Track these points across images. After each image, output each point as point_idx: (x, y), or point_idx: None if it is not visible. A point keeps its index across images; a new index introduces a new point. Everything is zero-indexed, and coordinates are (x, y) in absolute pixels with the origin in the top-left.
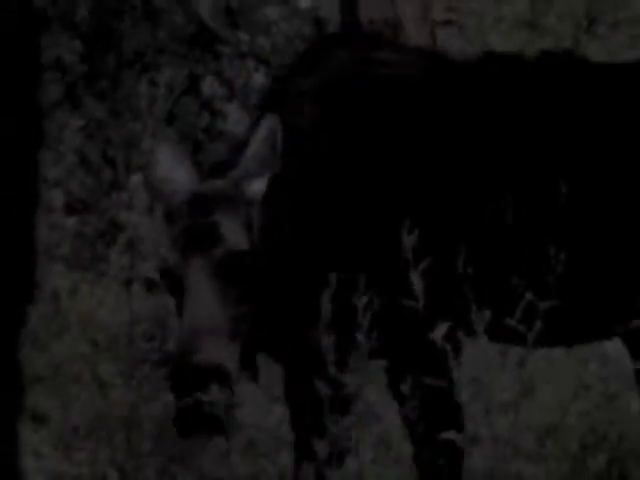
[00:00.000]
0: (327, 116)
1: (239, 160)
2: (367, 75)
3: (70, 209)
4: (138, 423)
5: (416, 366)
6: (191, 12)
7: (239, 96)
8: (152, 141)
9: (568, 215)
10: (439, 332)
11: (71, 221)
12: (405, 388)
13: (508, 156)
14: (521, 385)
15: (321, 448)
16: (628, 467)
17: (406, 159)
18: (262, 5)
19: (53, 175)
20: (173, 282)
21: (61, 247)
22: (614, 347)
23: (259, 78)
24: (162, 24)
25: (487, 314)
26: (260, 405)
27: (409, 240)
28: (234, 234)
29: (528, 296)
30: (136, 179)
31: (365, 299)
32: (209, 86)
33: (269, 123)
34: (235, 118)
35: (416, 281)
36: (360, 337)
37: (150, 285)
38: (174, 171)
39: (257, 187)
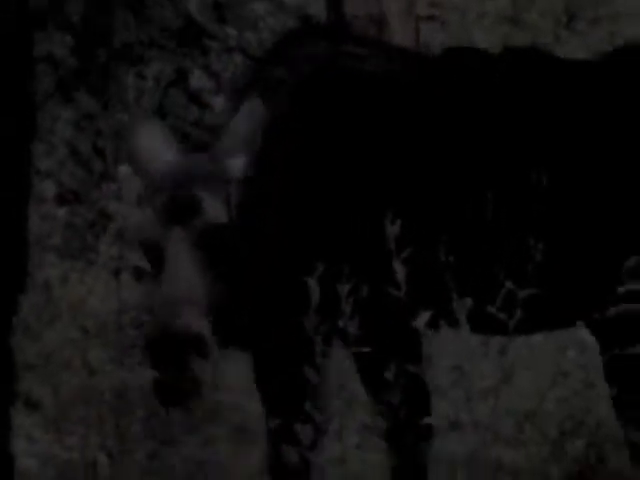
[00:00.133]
0: (301, 107)
1: (220, 139)
2: (341, 67)
3: (61, 200)
4: (127, 409)
5: (399, 353)
6: (180, 7)
7: (226, 89)
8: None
9: (546, 206)
10: (421, 320)
11: (62, 211)
12: (389, 375)
13: (486, 149)
14: (501, 372)
15: (305, 434)
16: (605, 452)
17: (386, 151)
18: (249, 1)
19: (45, 166)
20: (152, 252)
21: (52, 237)
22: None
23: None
24: (151, 19)
25: (468, 302)
26: (245, 390)
27: (392, 230)
28: (213, 208)
29: (508, 285)
30: (125, 170)
31: (348, 287)
32: (197, 80)
33: (250, 104)
34: (223, 111)
35: (399, 270)
36: (343, 324)
37: (139, 274)
38: (155, 148)
39: (236, 165)
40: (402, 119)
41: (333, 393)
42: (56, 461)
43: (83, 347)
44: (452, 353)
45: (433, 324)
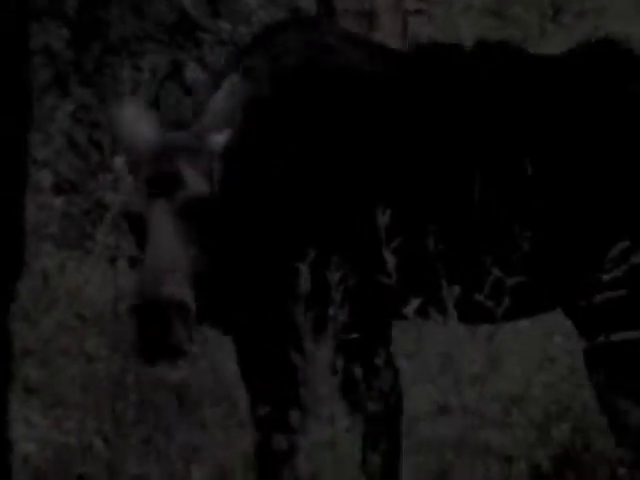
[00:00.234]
0: (280, 98)
1: (202, 115)
2: (319, 60)
3: (58, 189)
4: (123, 394)
5: (387, 341)
6: (174, 1)
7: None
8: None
9: (532, 196)
10: (411, 307)
11: (59, 201)
12: (379, 361)
13: (470, 140)
14: (488, 358)
15: (294, 419)
16: (591, 436)
17: (374, 142)
18: None
19: (42, 156)
20: (136, 224)
21: (49, 226)
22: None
23: None
24: (147, 13)
25: (457, 290)
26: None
27: (382, 219)
28: (195, 181)
29: (496, 272)
30: (121, 161)
31: (338, 275)
32: (191, 72)
33: (230, 82)
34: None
35: (389, 258)
36: (333, 311)
37: (134, 263)
38: (138, 125)
39: (217, 140)
40: (386, 111)
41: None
42: (53, 445)
43: (80, 334)
44: (441, 339)
45: (422, 311)
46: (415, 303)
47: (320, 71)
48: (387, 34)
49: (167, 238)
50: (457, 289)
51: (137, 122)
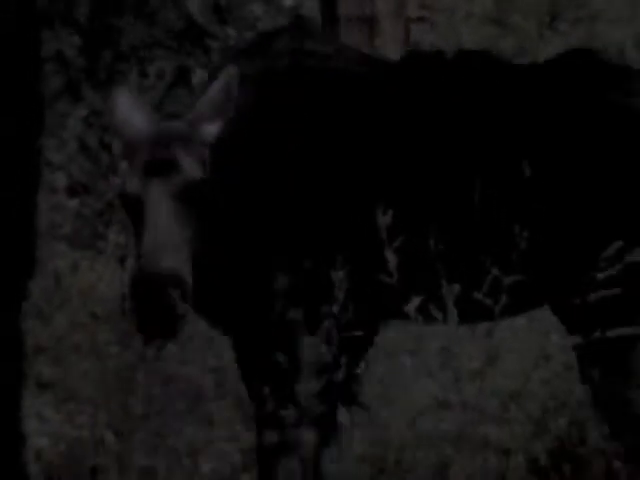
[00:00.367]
0: (267, 104)
1: (197, 105)
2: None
3: (72, 191)
4: (133, 390)
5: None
6: (182, 9)
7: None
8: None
9: (529, 197)
10: (412, 305)
11: (72, 202)
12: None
13: (470, 145)
14: (487, 354)
15: (289, 414)
16: (586, 430)
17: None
18: (248, 2)
19: (56, 160)
20: (132, 204)
21: (63, 227)
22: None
23: None
24: (156, 20)
25: (456, 288)
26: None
27: (384, 220)
28: (190, 166)
29: (494, 272)
30: None
31: (341, 274)
32: (199, 78)
33: (227, 73)
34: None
35: (390, 258)
36: (336, 309)
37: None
38: (132, 114)
39: (210, 130)
40: (380, 113)
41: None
42: (66, 439)
43: (92, 331)
44: (441, 336)
45: (423, 309)
46: (416, 301)
47: (309, 74)
48: (388, 40)
49: (164, 217)
50: (457, 287)
51: (130, 110)
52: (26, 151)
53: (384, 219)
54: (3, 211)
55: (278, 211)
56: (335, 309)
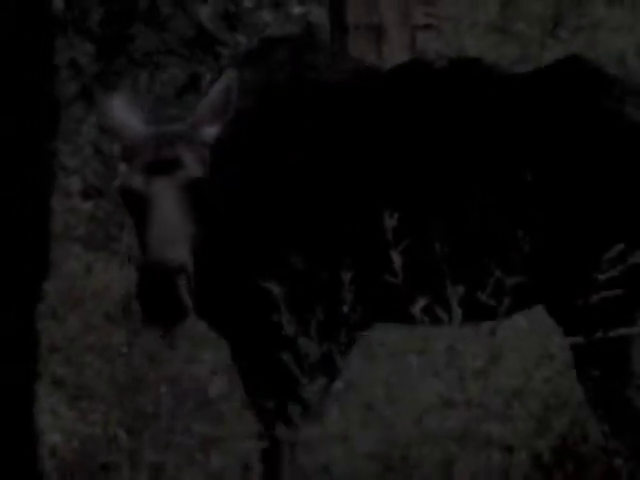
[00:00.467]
0: (265, 114)
1: (198, 106)
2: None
3: (86, 195)
4: (144, 388)
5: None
6: (193, 17)
7: None
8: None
9: (531, 202)
10: (418, 305)
11: (87, 205)
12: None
13: (472, 152)
14: (491, 354)
15: (294, 412)
16: (588, 428)
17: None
18: (257, 10)
19: (71, 164)
20: (135, 199)
21: (78, 229)
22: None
23: None
24: (167, 28)
25: (461, 289)
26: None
27: (390, 223)
28: (193, 164)
29: (497, 273)
30: None
31: (350, 275)
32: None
33: (227, 77)
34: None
35: (397, 260)
36: (345, 310)
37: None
38: (129, 116)
39: (210, 132)
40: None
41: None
42: (79, 436)
43: (105, 331)
44: (446, 336)
45: (428, 310)
46: (422, 302)
47: (308, 87)
48: (395, 47)
49: (169, 212)
50: (461, 289)
51: (127, 112)
52: (41, 155)
53: (390, 222)
54: (18, 215)
55: (276, 215)
56: (344, 310)
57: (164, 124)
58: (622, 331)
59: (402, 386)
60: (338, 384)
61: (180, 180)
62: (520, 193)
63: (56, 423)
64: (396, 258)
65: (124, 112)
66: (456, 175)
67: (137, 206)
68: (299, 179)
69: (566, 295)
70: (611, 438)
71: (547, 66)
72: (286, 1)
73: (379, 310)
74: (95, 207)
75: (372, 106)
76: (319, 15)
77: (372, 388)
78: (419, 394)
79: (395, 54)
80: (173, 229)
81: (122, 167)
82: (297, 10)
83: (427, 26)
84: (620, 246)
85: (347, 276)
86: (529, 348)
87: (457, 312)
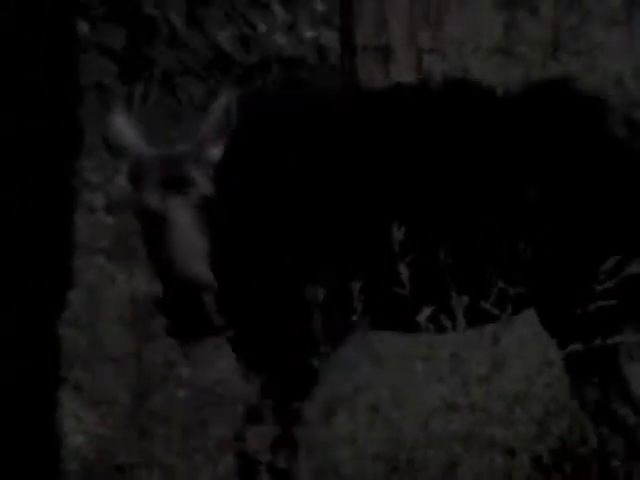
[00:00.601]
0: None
1: (201, 128)
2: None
3: (109, 210)
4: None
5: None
6: (211, 39)
7: None
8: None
9: (532, 216)
10: (423, 315)
11: (110, 219)
12: None
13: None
14: (494, 361)
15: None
16: (587, 431)
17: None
18: (271, 34)
19: (95, 180)
20: (152, 218)
21: (101, 242)
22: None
23: None
24: (187, 50)
25: (465, 299)
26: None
27: (398, 236)
28: (203, 182)
29: (500, 284)
30: None
31: (359, 285)
32: None
33: (226, 96)
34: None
35: (404, 271)
36: (355, 317)
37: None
38: (131, 134)
39: (214, 152)
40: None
41: (344, 379)
42: (100, 438)
43: (123, 339)
44: (450, 343)
45: (434, 319)
46: (427, 311)
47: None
48: (402, 68)
49: (189, 229)
50: (466, 298)
51: (131, 135)
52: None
53: (397, 235)
54: (44, 228)
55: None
56: (355, 317)
57: (166, 143)
58: (614, 339)
59: (408, 390)
60: (347, 388)
61: (194, 198)
62: (521, 208)
63: (79, 426)
64: (403, 270)
65: (127, 130)
66: (459, 191)
67: (154, 224)
68: (303, 191)
69: (562, 306)
70: (605, 442)
71: (538, 87)
72: (298, 25)
73: (386, 318)
74: (118, 221)
75: (380, 121)
76: (330, 38)
77: (379, 392)
78: (424, 398)
79: (402, 74)
80: (195, 246)
81: (128, 185)
82: (309, 34)
83: (432, 49)
84: (616, 258)
85: (356, 286)
86: (530, 356)
87: (461, 321)
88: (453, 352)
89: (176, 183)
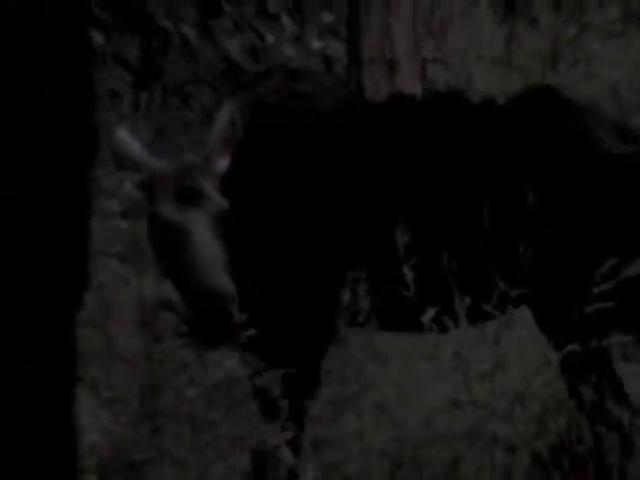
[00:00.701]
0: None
1: (208, 140)
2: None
3: (124, 215)
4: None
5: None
6: (222, 50)
7: None
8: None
9: (532, 220)
10: (427, 316)
11: (124, 224)
12: None
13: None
14: (496, 360)
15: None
16: (584, 429)
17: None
18: (280, 45)
19: (109, 186)
20: (172, 230)
21: (116, 246)
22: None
23: None
24: (198, 60)
25: (467, 301)
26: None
27: (402, 239)
28: (214, 194)
29: (501, 286)
30: None
31: (366, 286)
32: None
33: (229, 107)
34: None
35: (408, 273)
36: (362, 318)
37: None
38: (138, 149)
39: (222, 163)
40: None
41: (351, 378)
42: (115, 435)
43: (136, 339)
44: (453, 340)
45: (437, 320)
46: (431, 312)
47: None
48: (407, 78)
49: (208, 241)
50: (468, 300)
51: (136, 144)
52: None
53: (402, 239)
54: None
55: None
56: (362, 318)
57: (174, 153)
58: (611, 340)
59: (413, 389)
60: (353, 387)
61: (210, 210)
62: (520, 213)
63: (95, 423)
64: (408, 272)
65: (131, 143)
66: (462, 197)
67: (171, 236)
68: (309, 200)
69: (559, 308)
70: (601, 440)
71: (521, 94)
72: (306, 36)
73: (391, 319)
74: (133, 226)
75: (384, 129)
76: (336, 49)
77: (385, 391)
78: (428, 396)
79: (407, 84)
80: (215, 258)
81: (140, 195)
82: (316, 45)
83: (435, 59)
84: (614, 260)
85: (363, 288)
86: (530, 355)
87: (464, 321)
88: (455, 351)
89: (188, 194)
